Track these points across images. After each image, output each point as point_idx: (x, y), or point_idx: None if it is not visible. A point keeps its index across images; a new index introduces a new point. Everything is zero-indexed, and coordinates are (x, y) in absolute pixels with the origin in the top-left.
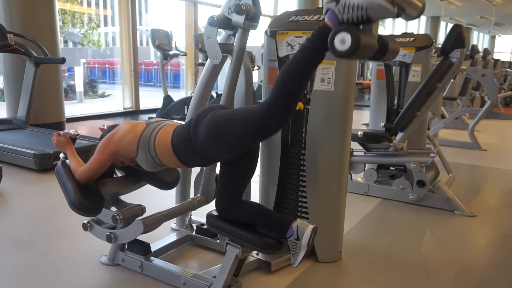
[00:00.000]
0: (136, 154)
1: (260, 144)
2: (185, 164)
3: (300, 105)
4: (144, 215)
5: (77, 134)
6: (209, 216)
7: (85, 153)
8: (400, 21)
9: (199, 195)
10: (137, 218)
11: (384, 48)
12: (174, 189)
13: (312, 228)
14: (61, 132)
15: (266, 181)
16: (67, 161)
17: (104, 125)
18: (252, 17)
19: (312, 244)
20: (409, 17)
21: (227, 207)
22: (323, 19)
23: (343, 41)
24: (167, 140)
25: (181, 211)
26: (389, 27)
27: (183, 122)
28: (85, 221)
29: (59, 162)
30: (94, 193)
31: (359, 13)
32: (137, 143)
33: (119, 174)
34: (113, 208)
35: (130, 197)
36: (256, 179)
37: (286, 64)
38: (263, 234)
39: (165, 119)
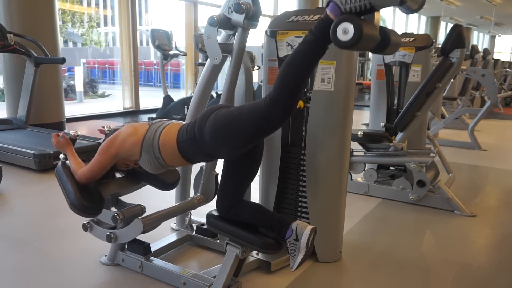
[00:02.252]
0: (139, 156)
1: (263, 144)
2: (188, 162)
3: (300, 103)
4: (144, 215)
5: (77, 135)
6: (209, 216)
7: (84, 153)
8: (399, 21)
9: (198, 194)
10: (136, 218)
11: (386, 41)
12: (174, 188)
13: (311, 229)
14: (60, 133)
15: (266, 181)
16: (67, 161)
17: (103, 126)
18: (251, 16)
19: (311, 245)
20: (409, 10)
21: (228, 206)
22: (325, 12)
23: (345, 31)
24: (172, 139)
25: (181, 210)
26: (389, 26)
27: (183, 122)
28: (85, 222)
29: (59, 163)
30: (94, 194)
31: (361, 2)
32: (140, 145)
33: (118, 175)
34: (113, 209)
35: (130, 197)
36: (256, 179)
37: (289, 57)
38: (263, 234)
39: (167, 119)
